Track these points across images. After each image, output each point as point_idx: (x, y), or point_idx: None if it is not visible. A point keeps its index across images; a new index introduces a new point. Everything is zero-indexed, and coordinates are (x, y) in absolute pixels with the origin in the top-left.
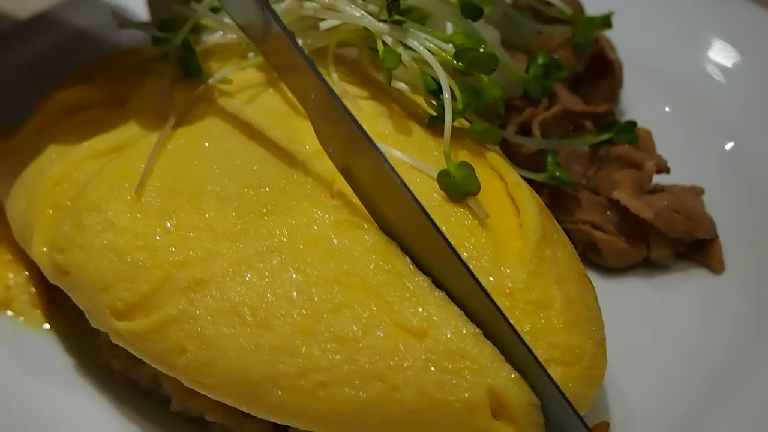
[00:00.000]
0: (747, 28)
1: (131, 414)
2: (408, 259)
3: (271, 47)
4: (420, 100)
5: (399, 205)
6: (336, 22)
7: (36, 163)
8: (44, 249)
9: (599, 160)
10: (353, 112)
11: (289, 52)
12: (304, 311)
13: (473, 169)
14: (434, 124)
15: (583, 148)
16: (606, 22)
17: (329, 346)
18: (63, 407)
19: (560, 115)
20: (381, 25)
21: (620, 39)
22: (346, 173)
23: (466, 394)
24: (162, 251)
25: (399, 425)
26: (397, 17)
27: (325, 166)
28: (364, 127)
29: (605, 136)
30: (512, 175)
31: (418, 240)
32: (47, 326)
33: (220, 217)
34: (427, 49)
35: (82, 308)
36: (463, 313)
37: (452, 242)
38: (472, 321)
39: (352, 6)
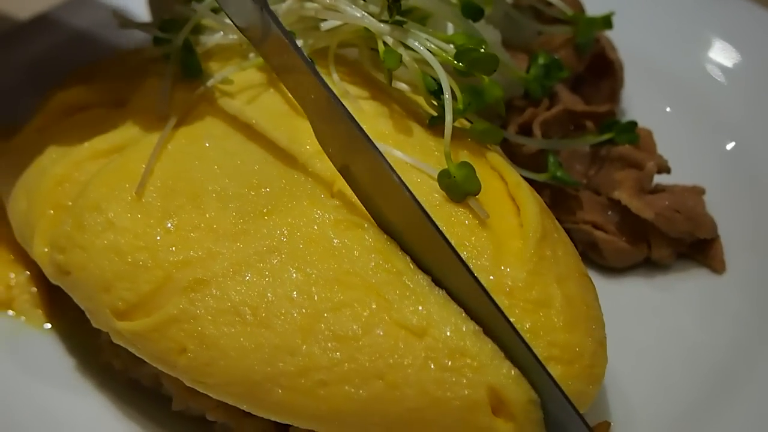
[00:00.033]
0: (748, 28)
1: (132, 414)
2: (408, 257)
3: (270, 48)
4: (421, 100)
5: (398, 205)
6: (337, 23)
7: (37, 163)
8: (45, 249)
9: (600, 160)
10: (354, 112)
11: (288, 52)
12: (304, 310)
13: (474, 169)
14: (435, 125)
15: (584, 148)
16: (607, 22)
17: (329, 344)
18: (64, 407)
19: (561, 115)
20: (382, 25)
21: (621, 39)
22: (346, 173)
23: (466, 392)
24: (162, 251)
25: (399, 424)
26: (398, 18)
27: (326, 166)
28: (365, 127)
29: (606, 136)
30: (513, 174)
31: (417, 239)
32: (48, 326)
33: (220, 217)
34: (428, 50)
35: (83, 308)
36: (462, 311)
37: (453, 242)
38: (472, 319)
39: (353, 6)
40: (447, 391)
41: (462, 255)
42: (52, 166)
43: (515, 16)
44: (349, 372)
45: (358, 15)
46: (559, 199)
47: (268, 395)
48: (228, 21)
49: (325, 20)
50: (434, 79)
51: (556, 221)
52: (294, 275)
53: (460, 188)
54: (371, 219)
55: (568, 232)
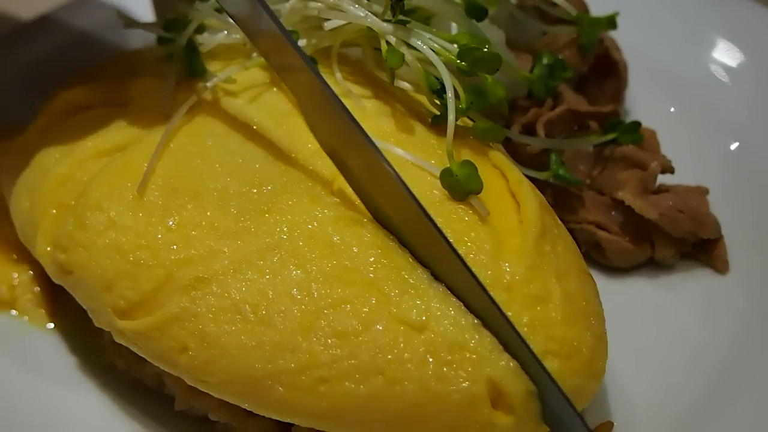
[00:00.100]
0: (751, 29)
1: (135, 413)
2: (407, 252)
3: (264, 40)
4: (423, 99)
5: (396, 200)
6: (340, 22)
7: (40, 162)
8: (48, 248)
9: (604, 160)
10: (356, 111)
11: (280, 44)
12: (304, 307)
13: (476, 167)
14: (437, 123)
15: (587, 148)
16: (611, 22)
17: (329, 341)
18: (67, 406)
19: (565, 115)
20: (385, 25)
21: (625, 39)
22: (342, 167)
23: (466, 384)
24: (164, 250)
25: (399, 420)
26: (401, 17)
27: (326, 164)
28: (368, 125)
29: (610, 136)
30: (514, 172)
31: (415, 234)
32: (51, 325)
33: (221, 215)
34: (431, 49)
35: (85, 307)
36: (461, 304)
37: (452, 238)
38: (470, 313)
39: (357, 6)
40: (447, 384)
41: (461, 251)
42: (55, 166)
43: (519, 16)
44: (349, 368)
45: (362, 14)
46: (562, 199)
47: (268, 393)
48: (231, 21)
49: (329, 20)
50: (437, 78)
51: (557, 218)
52: (294, 272)
53: (462, 187)
54: (370, 216)
55: (571, 232)
